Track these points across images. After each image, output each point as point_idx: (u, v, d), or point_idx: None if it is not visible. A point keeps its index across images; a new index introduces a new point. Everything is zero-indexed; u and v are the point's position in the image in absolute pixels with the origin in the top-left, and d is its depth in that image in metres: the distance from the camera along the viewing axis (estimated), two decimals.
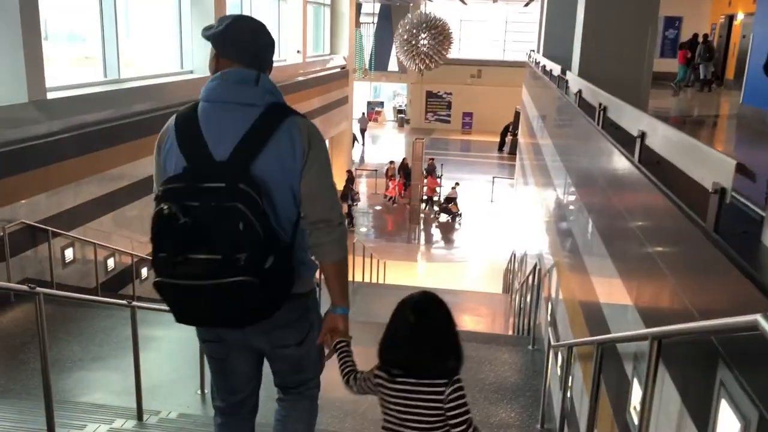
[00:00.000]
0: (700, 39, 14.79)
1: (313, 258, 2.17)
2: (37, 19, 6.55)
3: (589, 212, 4.18)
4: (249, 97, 1.98)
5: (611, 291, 3.35)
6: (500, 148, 31.15)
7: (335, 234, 2.06)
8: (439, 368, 1.92)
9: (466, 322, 10.21)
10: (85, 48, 9.28)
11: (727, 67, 16.21)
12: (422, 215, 20.84)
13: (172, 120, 2.09)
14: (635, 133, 2.86)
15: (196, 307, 1.96)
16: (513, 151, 29.68)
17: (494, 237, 19.74)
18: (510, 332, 9.49)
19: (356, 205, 20.82)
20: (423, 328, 1.93)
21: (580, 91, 5.10)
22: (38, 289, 3.06)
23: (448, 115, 35.41)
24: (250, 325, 2.03)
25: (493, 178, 22.79)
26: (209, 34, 2.10)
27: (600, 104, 3.95)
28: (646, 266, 2.61)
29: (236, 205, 1.83)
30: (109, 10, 8.52)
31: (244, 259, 1.83)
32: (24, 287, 3.11)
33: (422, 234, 20.06)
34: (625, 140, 3.46)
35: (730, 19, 16.64)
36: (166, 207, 1.85)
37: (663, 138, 2.54)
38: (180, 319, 2.03)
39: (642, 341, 2.19)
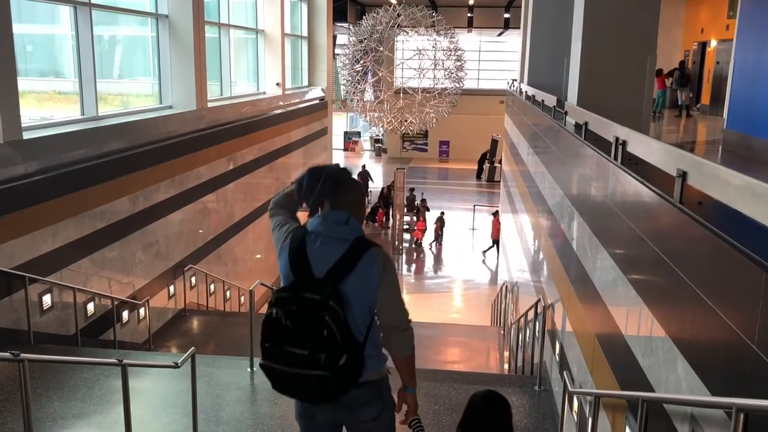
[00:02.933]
0: (677, 65, 14.96)
1: (384, 351, 2.73)
2: (12, 57, 6.27)
3: (606, 246, 3.99)
4: (342, 233, 2.62)
5: (644, 330, 3.14)
6: (478, 176, 31.29)
7: (402, 337, 2.68)
8: None
9: (460, 357, 9.93)
10: (58, 84, 8.96)
11: (702, 92, 16.39)
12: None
13: (288, 239, 2.69)
14: (674, 173, 2.68)
15: (287, 385, 2.57)
16: (491, 179, 29.85)
17: (478, 266, 19.63)
18: (506, 368, 9.24)
19: None
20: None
21: (586, 123, 4.95)
22: (22, 355, 2.76)
23: (425, 144, 35.50)
24: (323, 403, 2.62)
25: (474, 206, 22.74)
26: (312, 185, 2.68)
27: (617, 139, 3.79)
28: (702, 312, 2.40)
29: (324, 317, 2.40)
30: (86, 45, 8.23)
31: (323, 358, 2.40)
32: (7, 354, 2.80)
33: (404, 265, 19.85)
34: (650, 176, 3.29)
35: (703, 45, 16.89)
36: (274, 312, 2.46)
37: (713, 178, 2.35)
38: (275, 388, 2.60)
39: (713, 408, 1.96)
